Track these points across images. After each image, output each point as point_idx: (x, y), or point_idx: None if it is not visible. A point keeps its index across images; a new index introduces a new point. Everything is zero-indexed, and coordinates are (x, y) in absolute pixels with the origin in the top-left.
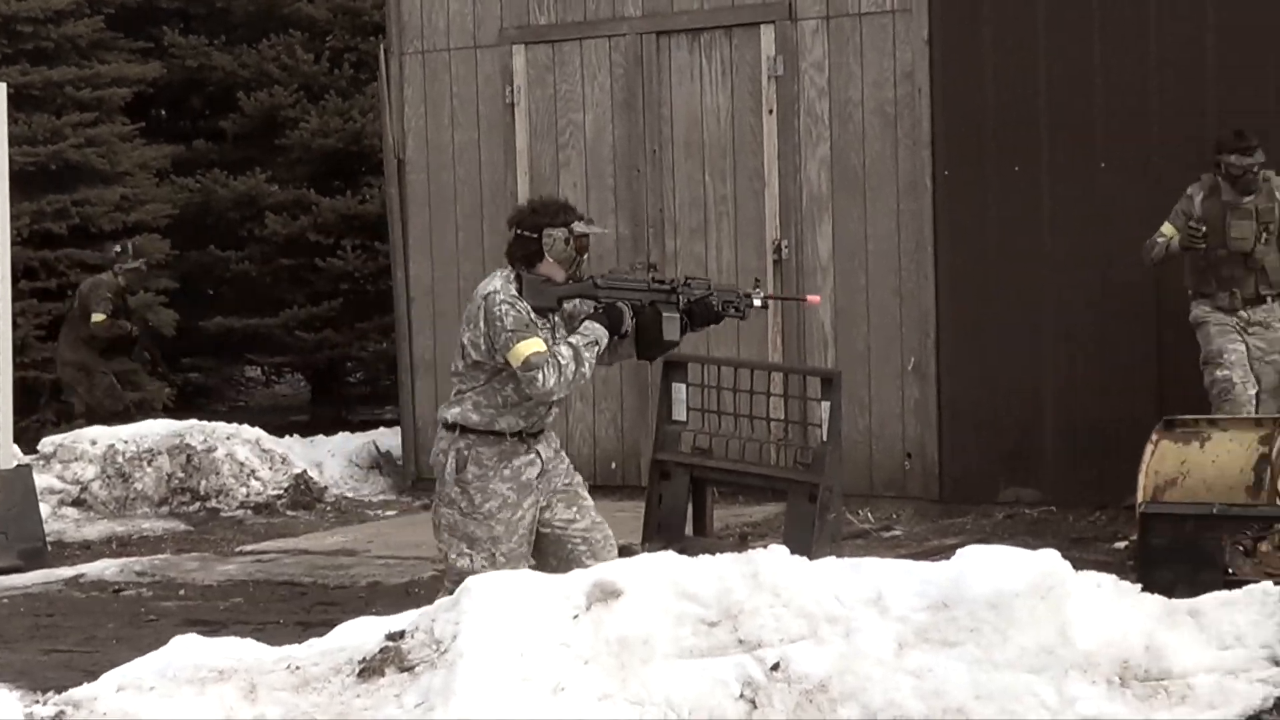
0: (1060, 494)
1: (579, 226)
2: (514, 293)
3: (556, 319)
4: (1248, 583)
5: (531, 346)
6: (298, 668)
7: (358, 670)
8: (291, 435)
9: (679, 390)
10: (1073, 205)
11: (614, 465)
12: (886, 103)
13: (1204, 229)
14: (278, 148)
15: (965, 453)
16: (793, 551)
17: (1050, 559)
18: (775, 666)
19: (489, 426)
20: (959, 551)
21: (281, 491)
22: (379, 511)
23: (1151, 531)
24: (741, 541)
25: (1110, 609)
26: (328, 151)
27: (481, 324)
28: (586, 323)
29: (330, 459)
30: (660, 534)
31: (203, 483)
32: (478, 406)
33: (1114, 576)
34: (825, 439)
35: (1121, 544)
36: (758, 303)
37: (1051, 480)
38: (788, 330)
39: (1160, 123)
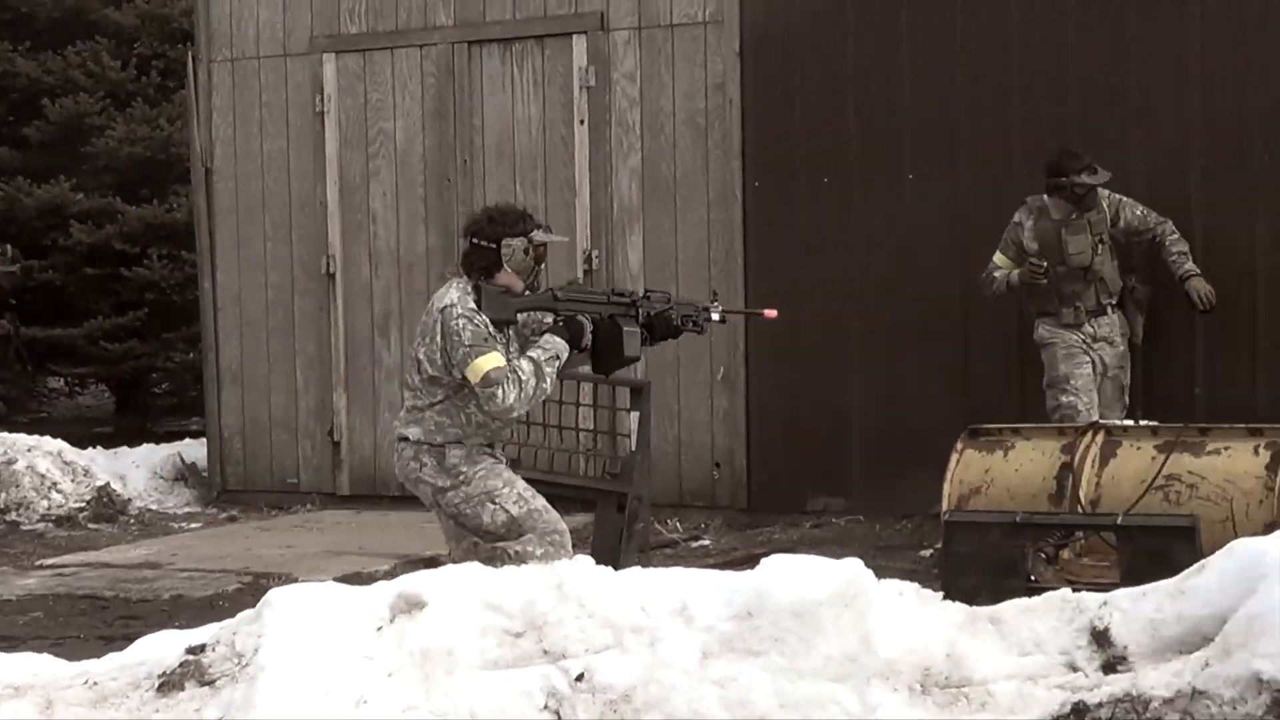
0: (867, 503)
1: (538, 235)
2: (472, 305)
3: (512, 331)
4: (1050, 590)
5: (491, 361)
6: (95, 683)
7: (157, 685)
8: (95, 447)
9: None
10: (880, 217)
11: None
12: (698, 113)
13: (1045, 265)
14: (83, 155)
15: (773, 462)
16: (601, 561)
17: (854, 568)
18: (580, 677)
19: (457, 442)
20: (764, 561)
21: (84, 504)
22: (184, 524)
23: (955, 540)
24: None
25: (913, 617)
26: (135, 159)
27: (438, 338)
28: (547, 336)
29: (134, 471)
30: None
31: (2, 495)
32: (440, 427)
33: (917, 585)
34: (634, 449)
35: (927, 552)
36: (715, 316)
37: (859, 489)
38: None
39: (967, 137)
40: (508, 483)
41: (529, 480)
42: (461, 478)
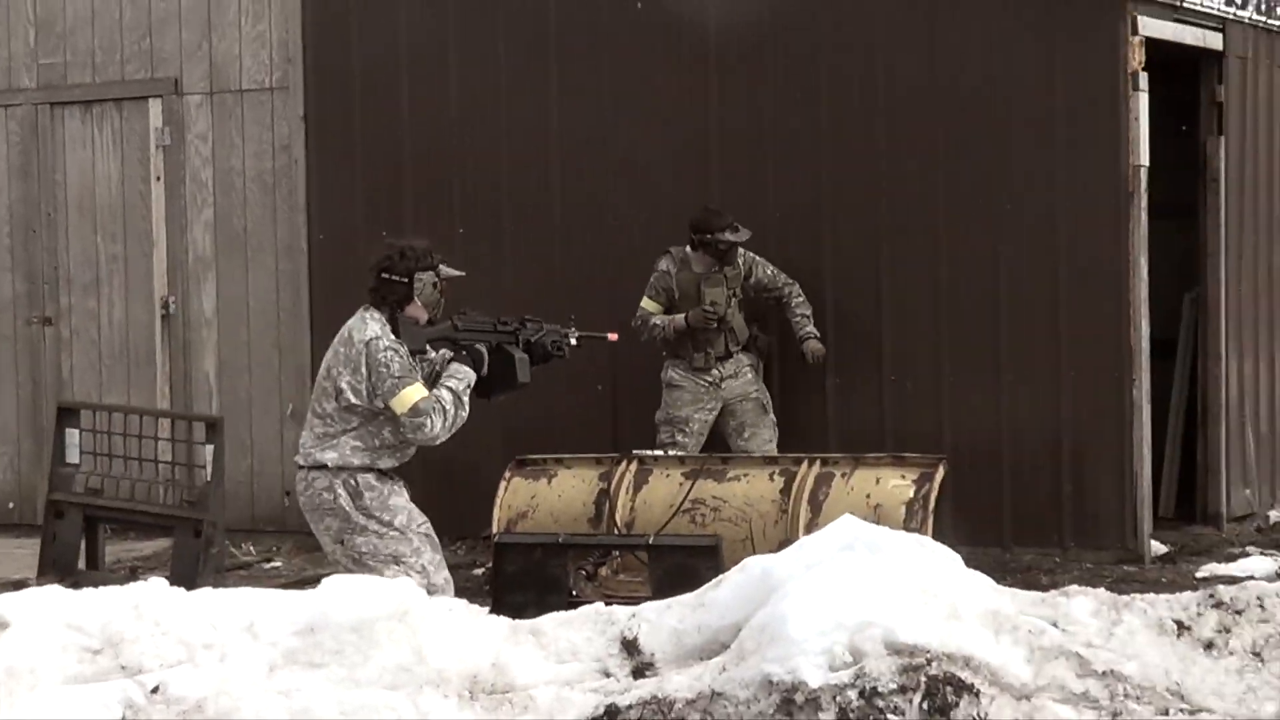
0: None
1: (445, 270)
2: (393, 337)
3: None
4: (589, 604)
5: (418, 393)
6: None
7: None
8: None
9: (72, 435)
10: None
11: (11, 505)
12: (266, 172)
13: (717, 312)
14: None
15: None
16: (179, 583)
17: (407, 587)
18: (155, 690)
19: (370, 466)
20: (323, 581)
21: None
22: None
23: (504, 559)
24: (131, 574)
25: (462, 630)
26: None
27: (364, 369)
28: (456, 365)
29: None
30: (54, 569)
31: None
32: (356, 450)
33: (465, 601)
34: (209, 479)
35: (480, 571)
36: (574, 341)
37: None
38: (175, 379)
39: (510, 193)
40: (415, 551)
41: (110, 509)
42: (374, 528)
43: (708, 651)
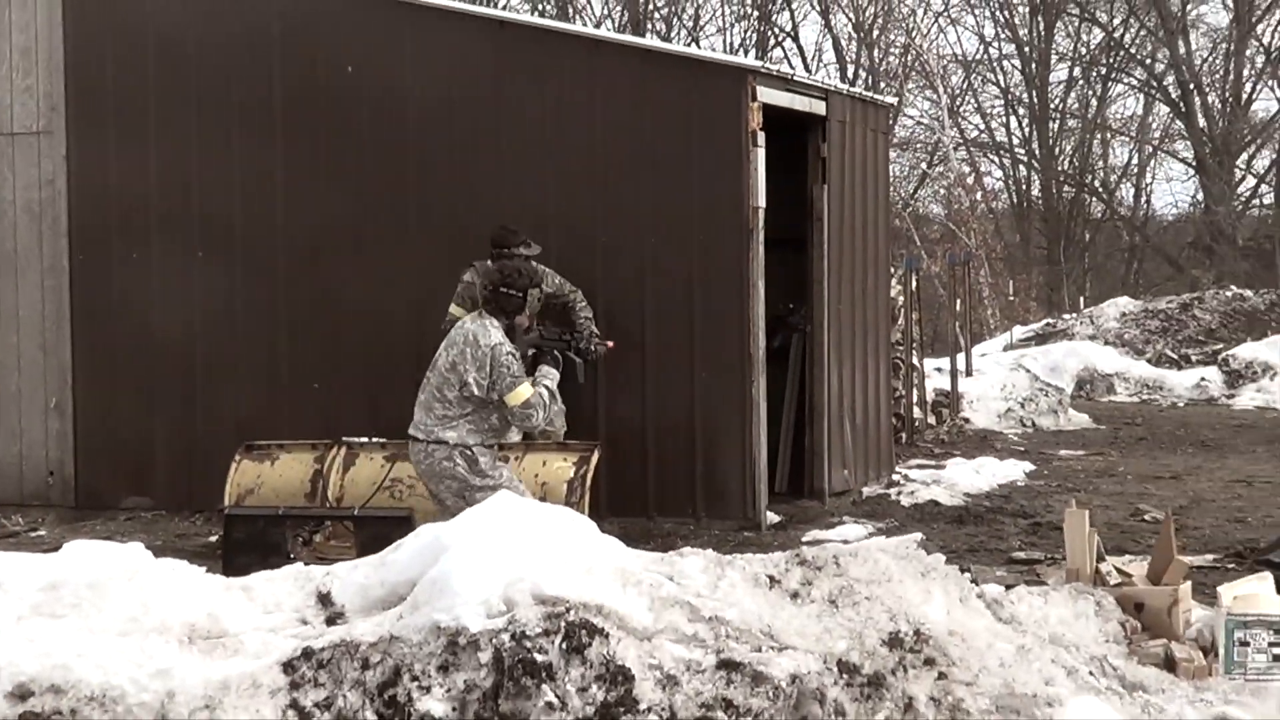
0: (169, 501)
1: (545, 287)
2: (511, 343)
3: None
4: (305, 564)
5: (528, 390)
6: None
7: None
8: None
9: None
10: (175, 280)
11: None
12: (34, 202)
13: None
14: None
15: (96, 470)
16: None
17: (135, 550)
18: None
19: (481, 444)
20: (64, 546)
21: None
22: None
23: (233, 528)
24: None
25: (182, 586)
26: None
27: (488, 368)
28: (545, 369)
29: None
30: None
31: None
32: (472, 431)
33: (187, 561)
34: None
35: (214, 538)
36: (602, 349)
37: (162, 490)
38: None
39: (242, 221)
40: (516, 489)
41: None
42: (490, 480)
43: (389, 603)
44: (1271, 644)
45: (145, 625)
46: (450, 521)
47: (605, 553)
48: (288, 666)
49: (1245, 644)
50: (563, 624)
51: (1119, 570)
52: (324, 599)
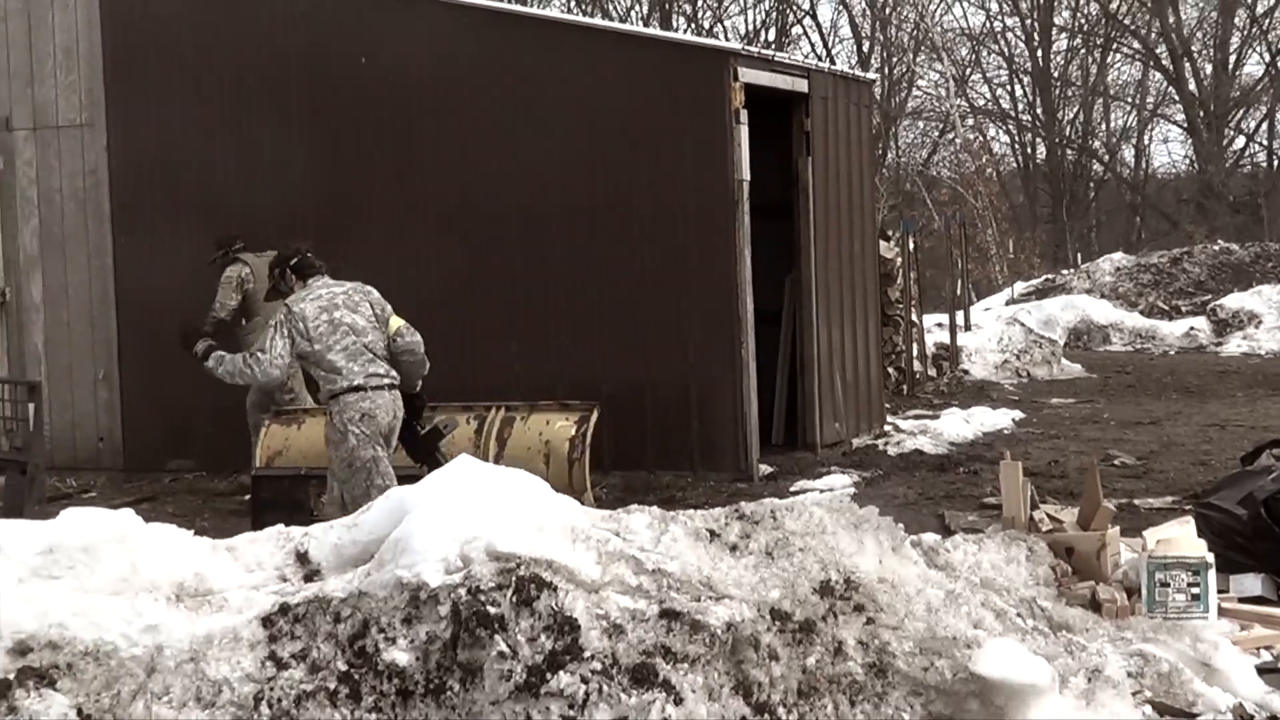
0: (208, 463)
1: None
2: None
3: None
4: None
5: None
6: None
7: None
8: None
9: None
10: (200, 258)
11: None
12: (79, 189)
13: None
14: None
15: (141, 435)
16: (9, 511)
17: (126, 516)
18: None
19: None
20: (62, 513)
21: None
22: None
23: (261, 487)
24: None
25: (170, 548)
26: None
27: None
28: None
29: None
30: None
31: None
32: None
33: (176, 526)
34: (31, 429)
35: (247, 496)
36: None
37: (202, 453)
38: (12, 352)
39: (266, 203)
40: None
41: None
42: None
43: (361, 561)
44: (1190, 584)
45: (135, 585)
46: (416, 485)
47: (557, 511)
48: (266, 621)
49: (1165, 585)
50: (514, 578)
51: (1050, 517)
52: (302, 558)
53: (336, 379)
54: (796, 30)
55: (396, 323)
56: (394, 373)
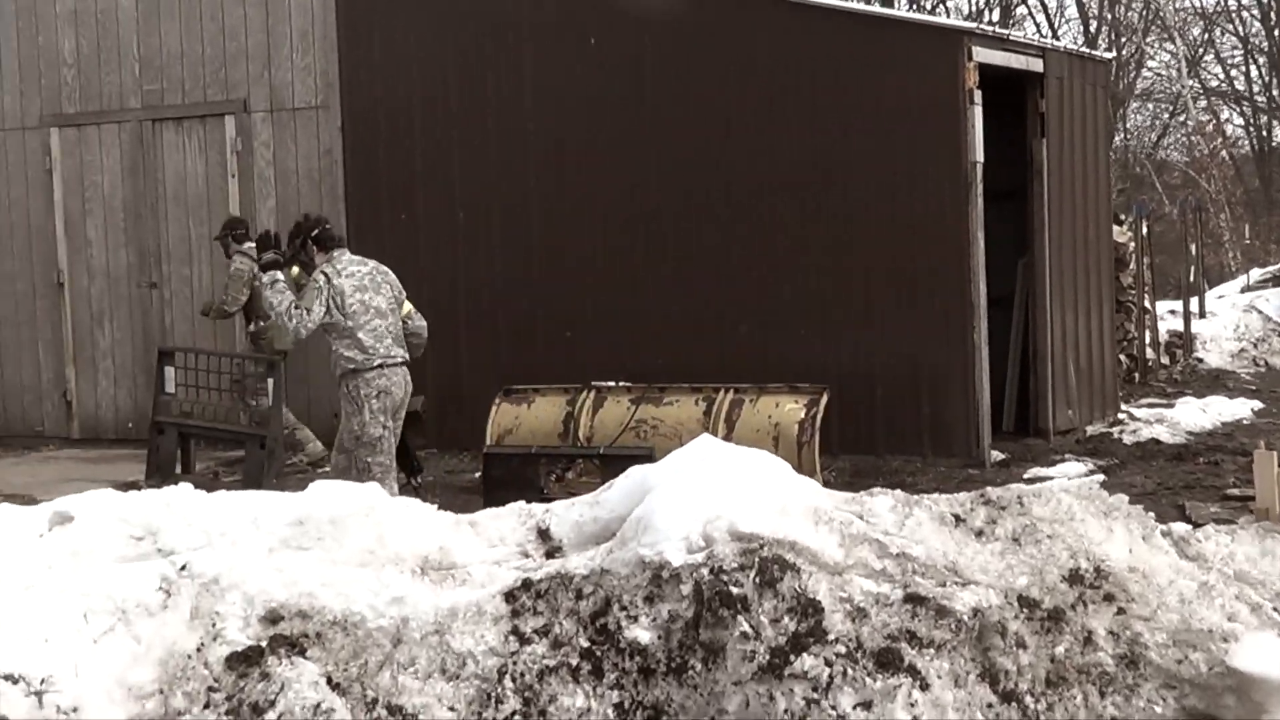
0: (440, 441)
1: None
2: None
3: None
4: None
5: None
6: None
7: None
8: None
9: (169, 371)
10: (440, 240)
11: (130, 425)
12: (314, 170)
13: None
14: None
15: None
16: (248, 484)
17: (373, 491)
18: (183, 567)
19: None
20: (310, 485)
21: None
22: None
23: (492, 466)
24: (215, 477)
25: (416, 522)
26: None
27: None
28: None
29: None
30: (158, 473)
31: None
32: None
33: (419, 500)
34: (270, 406)
35: (478, 474)
36: None
37: (435, 432)
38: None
39: (499, 183)
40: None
41: (199, 428)
42: None
43: (601, 538)
44: None
45: (381, 557)
46: (658, 464)
47: (799, 493)
48: (509, 596)
49: None
50: (757, 559)
51: None
52: (543, 534)
53: (359, 355)
54: (1021, 10)
55: (408, 306)
56: (405, 352)
